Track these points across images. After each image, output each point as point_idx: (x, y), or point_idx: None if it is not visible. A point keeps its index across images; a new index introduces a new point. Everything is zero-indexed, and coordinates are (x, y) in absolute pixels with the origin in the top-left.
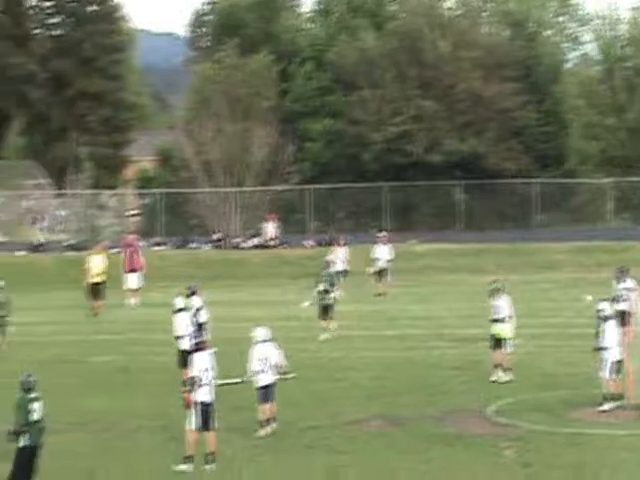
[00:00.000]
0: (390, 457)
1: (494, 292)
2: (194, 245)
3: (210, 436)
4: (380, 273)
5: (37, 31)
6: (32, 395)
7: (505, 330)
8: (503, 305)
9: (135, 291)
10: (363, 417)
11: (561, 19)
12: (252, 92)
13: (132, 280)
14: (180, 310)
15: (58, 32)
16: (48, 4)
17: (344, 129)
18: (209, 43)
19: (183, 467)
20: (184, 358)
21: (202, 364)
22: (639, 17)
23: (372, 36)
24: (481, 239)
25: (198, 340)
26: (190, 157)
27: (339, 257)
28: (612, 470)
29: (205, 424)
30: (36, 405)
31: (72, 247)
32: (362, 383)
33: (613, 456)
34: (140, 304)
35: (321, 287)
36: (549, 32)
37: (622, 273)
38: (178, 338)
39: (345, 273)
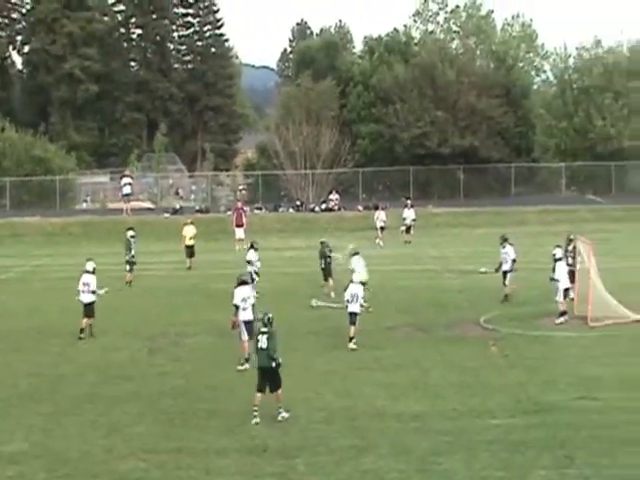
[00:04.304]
0: (415, 351)
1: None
2: (282, 209)
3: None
4: (407, 228)
5: (176, 65)
6: (262, 329)
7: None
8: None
9: (241, 240)
10: (398, 324)
11: (529, 55)
12: (321, 106)
13: (239, 232)
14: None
15: (190, 66)
16: (183, 47)
17: (383, 130)
18: (292, 72)
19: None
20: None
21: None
22: (583, 53)
23: (402, 67)
24: (475, 205)
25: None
26: (279, 150)
27: (379, 217)
28: (564, 359)
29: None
30: (261, 337)
31: (199, 211)
32: (396, 300)
33: (566, 350)
34: (244, 249)
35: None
36: (521, 64)
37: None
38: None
39: (383, 229)
